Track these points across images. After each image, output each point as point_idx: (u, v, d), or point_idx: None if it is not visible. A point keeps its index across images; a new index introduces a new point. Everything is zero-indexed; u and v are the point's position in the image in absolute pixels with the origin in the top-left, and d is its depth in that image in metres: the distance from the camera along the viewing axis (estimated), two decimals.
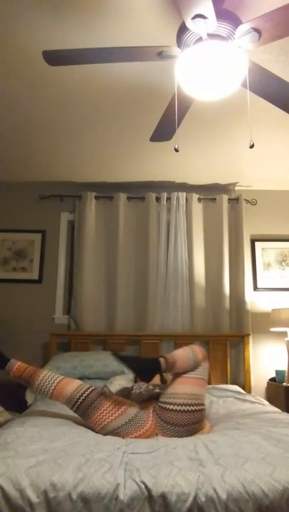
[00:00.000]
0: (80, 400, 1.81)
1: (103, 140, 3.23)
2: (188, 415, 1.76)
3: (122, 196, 3.90)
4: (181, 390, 1.81)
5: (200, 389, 1.84)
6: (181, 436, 1.73)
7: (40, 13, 1.99)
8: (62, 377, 1.94)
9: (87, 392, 1.84)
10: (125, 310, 3.71)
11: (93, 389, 1.87)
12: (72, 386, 1.87)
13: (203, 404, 1.83)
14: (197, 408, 1.79)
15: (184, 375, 1.86)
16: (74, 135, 3.17)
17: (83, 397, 1.82)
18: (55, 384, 1.89)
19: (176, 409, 1.76)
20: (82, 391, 1.84)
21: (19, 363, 2.02)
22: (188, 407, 1.77)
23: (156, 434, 1.75)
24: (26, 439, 1.53)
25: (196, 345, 1.98)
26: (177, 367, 1.84)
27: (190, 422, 1.76)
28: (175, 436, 1.73)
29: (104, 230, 3.92)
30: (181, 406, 1.76)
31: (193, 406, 1.78)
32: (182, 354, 1.87)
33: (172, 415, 1.76)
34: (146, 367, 1.83)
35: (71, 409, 1.85)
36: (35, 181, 4.03)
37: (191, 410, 1.77)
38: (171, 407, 1.77)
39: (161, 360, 1.82)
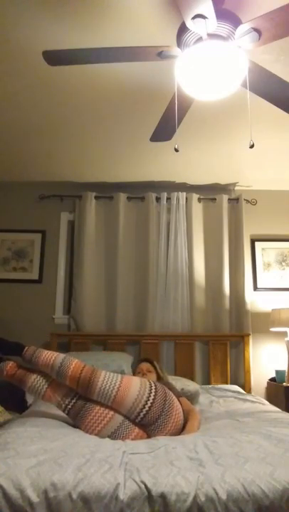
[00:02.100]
0: (68, 406, 1.82)
1: (103, 140, 3.23)
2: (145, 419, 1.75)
3: (122, 196, 3.90)
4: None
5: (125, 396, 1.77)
6: (154, 434, 1.73)
7: (40, 13, 1.99)
8: (52, 379, 1.92)
9: (75, 398, 1.83)
10: (125, 310, 3.71)
11: (80, 395, 1.83)
12: (61, 391, 1.86)
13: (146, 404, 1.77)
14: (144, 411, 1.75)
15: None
16: (74, 135, 3.17)
17: (72, 404, 1.81)
18: (46, 386, 1.89)
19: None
20: (71, 396, 1.83)
21: (11, 362, 2.00)
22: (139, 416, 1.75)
23: (148, 436, 1.74)
24: (27, 439, 1.53)
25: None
26: (39, 364, 1.90)
27: (152, 422, 1.74)
28: (154, 435, 1.73)
29: (104, 230, 3.92)
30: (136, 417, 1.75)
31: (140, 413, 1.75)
32: (46, 357, 1.92)
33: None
34: (7, 347, 1.99)
35: (63, 412, 1.86)
36: (35, 181, 4.03)
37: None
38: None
39: (26, 347, 1.97)
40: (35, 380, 1.91)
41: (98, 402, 1.80)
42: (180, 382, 2.79)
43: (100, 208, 3.94)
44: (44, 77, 2.47)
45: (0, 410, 2.43)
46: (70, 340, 3.58)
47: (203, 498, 1.17)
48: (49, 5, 1.95)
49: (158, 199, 3.93)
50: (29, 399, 2.93)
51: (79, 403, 1.80)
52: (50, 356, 1.92)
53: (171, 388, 2.24)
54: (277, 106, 2.14)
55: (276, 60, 2.31)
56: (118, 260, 3.75)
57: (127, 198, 3.94)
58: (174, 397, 1.91)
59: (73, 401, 1.82)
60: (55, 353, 1.94)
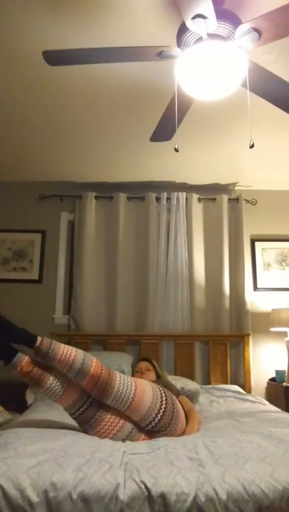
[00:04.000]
0: (78, 412, 1.71)
1: (103, 140, 3.23)
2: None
3: (122, 196, 3.90)
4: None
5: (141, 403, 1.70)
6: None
7: (40, 13, 1.99)
8: (67, 383, 1.76)
9: (87, 403, 1.72)
10: (125, 310, 3.71)
11: (92, 401, 1.73)
12: (74, 396, 1.73)
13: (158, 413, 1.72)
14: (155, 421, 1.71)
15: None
16: (74, 135, 3.17)
17: (83, 409, 1.71)
18: (63, 389, 1.73)
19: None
20: (83, 401, 1.72)
21: (26, 357, 1.76)
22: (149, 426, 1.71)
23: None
24: (27, 439, 1.53)
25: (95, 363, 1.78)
26: (56, 359, 1.70)
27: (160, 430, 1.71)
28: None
29: (104, 230, 3.92)
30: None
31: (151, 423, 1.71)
32: (65, 353, 1.73)
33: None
34: (20, 336, 1.76)
35: (71, 416, 1.75)
36: (35, 181, 4.03)
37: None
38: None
39: (39, 338, 1.74)
40: (53, 381, 1.72)
41: (110, 407, 1.72)
42: (180, 382, 2.79)
43: (100, 208, 3.94)
44: (44, 77, 2.47)
45: (0, 410, 2.43)
46: (70, 340, 3.58)
47: (203, 498, 1.17)
48: (49, 5, 1.95)
49: (158, 199, 3.93)
50: (29, 399, 2.94)
51: (90, 410, 1.71)
52: (70, 353, 1.73)
53: (171, 386, 2.24)
54: (277, 106, 2.14)
55: (276, 60, 2.31)
56: (118, 260, 3.75)
57: (127, 198, 3.94)
58: (177, 400, 1.89)
59: (84, 406, 1.71)
60: (73, 349, 1.76)
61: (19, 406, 2.91)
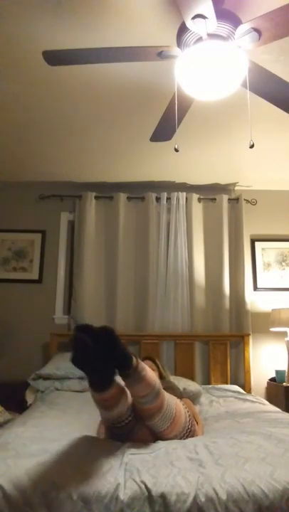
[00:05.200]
0: (121, 424, 1.55)
1: (103, 140, 3.23)
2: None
3: (122, 196, 3.90)
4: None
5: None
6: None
7: (40, 13, 1.99)
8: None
9: (130, 417, 1.57)
10: (125, 310, 3.71)
11: (133, 416, 1.57)
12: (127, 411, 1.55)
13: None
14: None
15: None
16: (74, 135, 3.17)
17: (125, 422, 1.56)
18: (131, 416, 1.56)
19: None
20: (127, 415, 1.56)
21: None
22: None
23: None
24: (27, 439, 1.53)
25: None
26: (145, 381, 1.49)
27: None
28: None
29: (104, 230, 3.92)
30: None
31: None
32: (151, 375, 1.54)
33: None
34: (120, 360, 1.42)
35: (111, 425, 1.57)
36: (35, 181, 4.03)
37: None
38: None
39: (134, 358, 1.49)
40: (124, 405, 1.51)
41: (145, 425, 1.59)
42: (182, 382, 2.79)
43: (100, 208, 3.94)
44: (44, 77, 2.47)
45: (0, 410, 2.43)
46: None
47: (203, 499, 1.17)
48: (49, 5, 1.95)
49: (158, 199, 3.93)
50: (29, 399, 2.94)
51: (132, 423, 1.56)
52: (153, 374, 1.54)
53: (174, 388, 2.23)
54: (277, 106, 2.14)
55: (276, 60, 2.31)
56: (118, 260, 3.75)
57: (127, 198, 3.94)
58: (192, 417, 1.78)
59: (129, 419, 1.56)
60: (151, 370, 1.58)
61: (19, 406, 2.91)
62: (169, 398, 1.59)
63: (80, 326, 1.40)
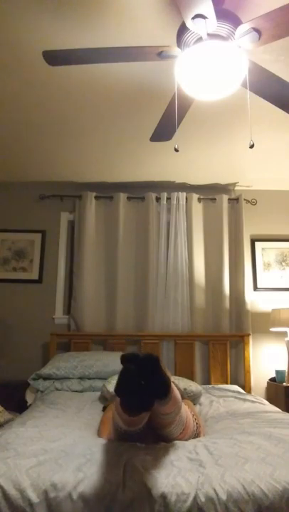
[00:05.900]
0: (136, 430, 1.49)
1: (103, 140, 3.23)
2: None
3: (122, 196, 3.90)
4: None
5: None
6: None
7: (40, 13, 1.99)
8: None
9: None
10: (125, 310, 3.71)
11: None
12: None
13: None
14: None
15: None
16: (74, 135, 3.17)
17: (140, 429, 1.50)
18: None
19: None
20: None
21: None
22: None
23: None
24: (27, 439, 1.53)
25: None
26: (173, 401, 1.46)
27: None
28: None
29: (104, 230, 3.92)
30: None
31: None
32: (177, 393, 1.51)
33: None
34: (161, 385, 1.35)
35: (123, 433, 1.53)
36: (35, 181, 4.03)
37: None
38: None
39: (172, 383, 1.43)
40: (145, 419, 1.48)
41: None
42: (182, 383, 2.78)
43: (99, 208, 3.94)
44: (44, 77, 2.47)
45: (0, 410, 2.43)
46: (70, 340, 3.58)
47: (203, 499, 1.17)
48: (49, 5, 1.95)
49: (158, 199, 3.93)
50: (29, 399, 2.94)
51: (144, 431, 1.55)
52: (176, 389, 1.51)
53: (177, 389, 2.22)
54: (277, 106, 2.14)
55: (276, 60, 2.31)
56: (118, 260, 3.75)
57: (127, 198, 3.94)
58: (198, 421, 1.79)
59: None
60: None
61: (19, 406, 2.91)
62: (180, 420, 1.57)
63: (127, 355, 1.37)
